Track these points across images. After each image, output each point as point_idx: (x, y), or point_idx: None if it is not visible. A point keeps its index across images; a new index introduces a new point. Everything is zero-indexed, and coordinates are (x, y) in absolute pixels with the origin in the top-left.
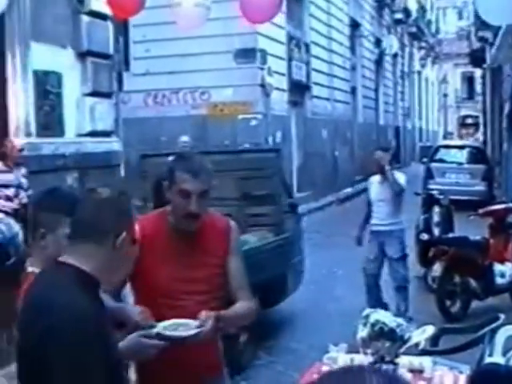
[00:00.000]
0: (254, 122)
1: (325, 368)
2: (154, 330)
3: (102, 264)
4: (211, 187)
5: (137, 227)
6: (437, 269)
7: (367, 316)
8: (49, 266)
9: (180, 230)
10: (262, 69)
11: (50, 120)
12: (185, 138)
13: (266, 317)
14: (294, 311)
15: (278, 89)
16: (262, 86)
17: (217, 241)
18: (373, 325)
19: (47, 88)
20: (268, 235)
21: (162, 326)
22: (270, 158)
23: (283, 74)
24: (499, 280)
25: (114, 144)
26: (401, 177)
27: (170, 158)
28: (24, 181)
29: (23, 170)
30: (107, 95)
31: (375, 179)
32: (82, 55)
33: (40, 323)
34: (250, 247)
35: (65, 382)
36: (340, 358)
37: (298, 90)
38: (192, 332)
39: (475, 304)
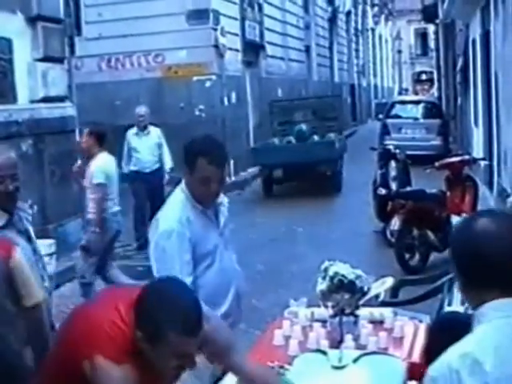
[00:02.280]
0: (208, 84)
1: (285, 322)
2: None
3: None
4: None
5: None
6: (395, 223)
7: (326, 269)
8: None
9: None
10: (215, 29)
11: (1, 87)
12: (142, 110)
13: None
14: (254, 270)
15: (231, 49)
16: (216, 46)
17: None
18: (332, 277)
19: None
20: (338, 135)
21: None
22: (335, 99)
23: (237, 35)
24: None
25: (68, 109)
26: (107, 163)
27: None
28: None
29: None
30: (59, 60)
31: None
32: (32, 20)
33: None
34: (333, 139)
35: None
36: (301, 311)
37: (252, 49)
38: None
39: (434, 256)
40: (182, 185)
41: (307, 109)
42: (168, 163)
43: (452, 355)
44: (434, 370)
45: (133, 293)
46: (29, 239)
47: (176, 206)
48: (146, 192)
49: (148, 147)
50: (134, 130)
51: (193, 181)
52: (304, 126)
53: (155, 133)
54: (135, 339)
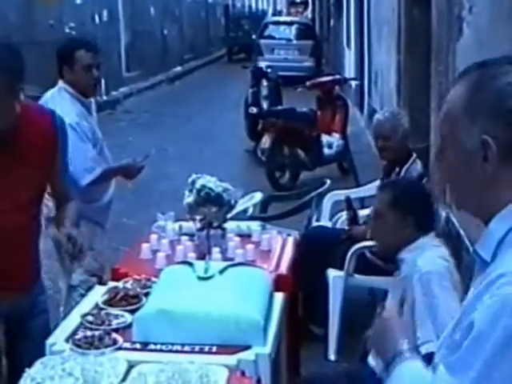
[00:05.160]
0: (79, 1)
1: (153, 237)
2: None
3: None
4: None
5: None
6: (265, 141)
7: (193, 182)
8: None
9: None
10: None
11: None
12: None
13: None
14: (125, 189)
15: None
16: None
17: (41, 148)
18: (199, 190)
19: None
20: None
21: None
22: (260, 17)
23: None
24: (327, 151)
25: None
26: None
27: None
28: None
29: None
30: None
31: None
32: None
33: None
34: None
35: None
36: (168, 225)
37: None
38: None
39: (304, 175)
40: (56, 90)
41: (247, 19)
42: None
43: (434, 259)
44: (427, 266)
45: None
46: None
47: (65, 103)
48: None
49: None
50: None
51: (75, 74)
52: (247, 26)
53: None
54: None
